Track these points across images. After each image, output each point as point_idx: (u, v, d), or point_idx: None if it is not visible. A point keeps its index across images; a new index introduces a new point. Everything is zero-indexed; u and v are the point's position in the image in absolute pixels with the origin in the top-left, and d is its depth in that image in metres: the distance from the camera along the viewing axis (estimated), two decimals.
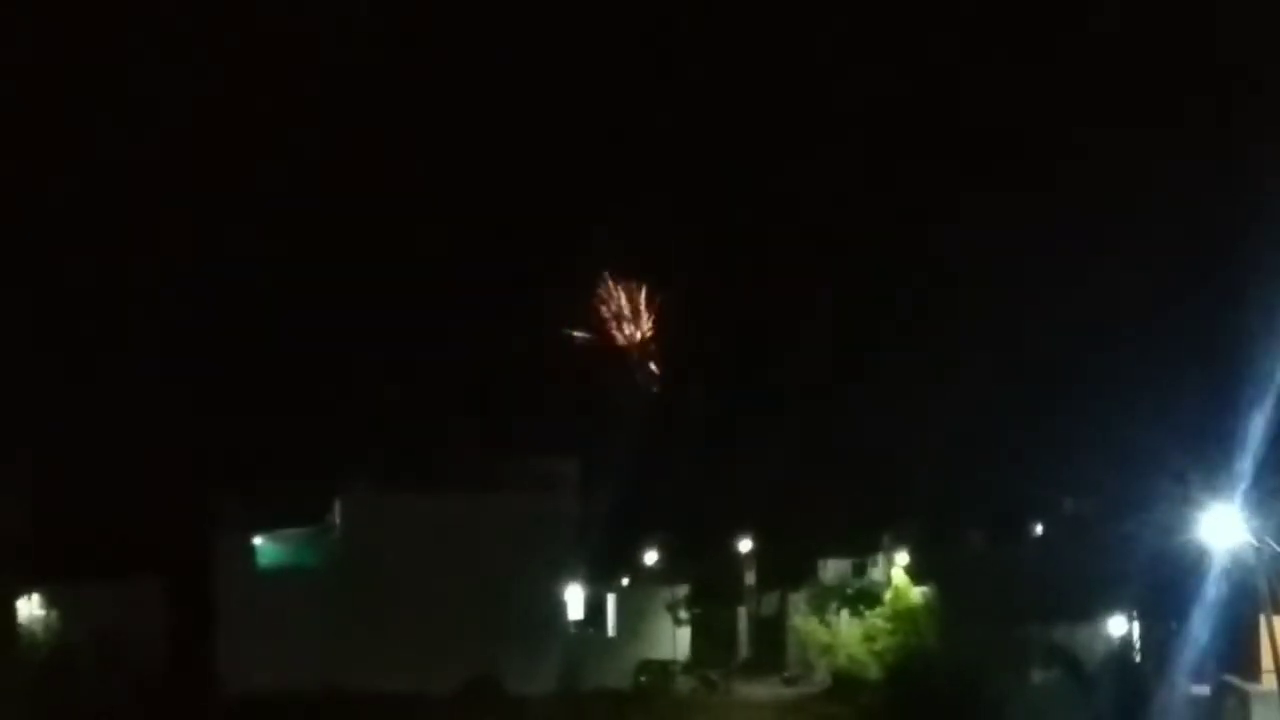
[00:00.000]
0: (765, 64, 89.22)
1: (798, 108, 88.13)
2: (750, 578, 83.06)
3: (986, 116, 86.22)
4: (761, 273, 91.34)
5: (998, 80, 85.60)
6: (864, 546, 77.51)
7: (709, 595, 77.69)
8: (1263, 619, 43.02)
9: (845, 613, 72.14)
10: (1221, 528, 44.17)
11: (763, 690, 73.55)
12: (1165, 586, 49.44)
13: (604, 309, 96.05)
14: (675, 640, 74.30)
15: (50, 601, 65.95)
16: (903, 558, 71.12)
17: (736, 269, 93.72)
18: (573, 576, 72.01)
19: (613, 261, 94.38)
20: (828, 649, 72.17)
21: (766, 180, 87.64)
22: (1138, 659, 55.57)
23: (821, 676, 73.23)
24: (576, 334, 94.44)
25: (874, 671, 65.65)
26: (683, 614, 74.83)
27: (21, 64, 73.23)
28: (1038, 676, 58.33)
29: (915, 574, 68.27)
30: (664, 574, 79.75)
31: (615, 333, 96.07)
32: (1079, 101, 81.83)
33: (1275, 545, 40.27)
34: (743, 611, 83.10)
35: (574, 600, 72.25)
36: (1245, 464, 43.63)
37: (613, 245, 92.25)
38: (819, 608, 74.37)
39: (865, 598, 71.39)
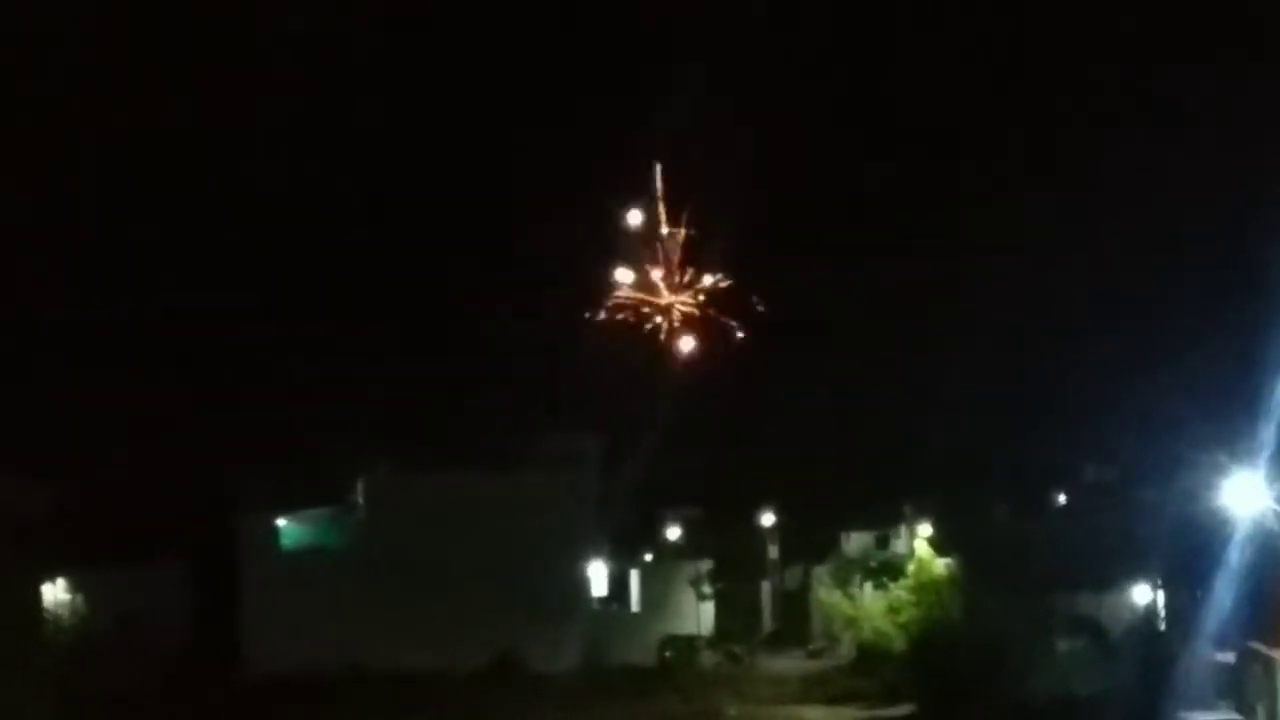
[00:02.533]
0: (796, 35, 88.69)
1: (826, 79, 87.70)
2: (773, 551, 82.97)
3: (1008, 88, 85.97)
4: (782, 247, 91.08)
5: (1025, 53, 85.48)
6: (886, 519, 77.36)
7: (732, 570, 77.62)
8: None
9: (869, 585, 72.05)
10: (1245, 494, 44.06)
11: (787, 664, 73.57)
12: (1189, 554, 49.30)
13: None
14: (699, 615, 74.31)
15: (75, 586, 66.11)
16: (925, 529, 70.92)
17: (758, 244, 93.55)
18: (596, 553, 72.10)
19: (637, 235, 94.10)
20: (852, 622, 72.05)
21: (783, 154, 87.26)
22: (1162, 627, 55.41)
23: (846, 649, 73.16)
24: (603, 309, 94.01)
25: (898, 643, 65.48)
26: (706, 589, 74.82)
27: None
28: (1062, 645, 58.14)
29: (938, 545, 68.07)
30: (687, 549, 79.78)
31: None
32: (1102, 72, 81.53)
33: None
34: (766, 585, 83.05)
35: (597, 577, 72.32)
36: (1269, 429, 43.50)
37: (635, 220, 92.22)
38: (842, 581, 74.24)
39: (888, 570, 71.27)
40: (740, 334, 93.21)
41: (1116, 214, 77.84)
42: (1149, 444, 55.42)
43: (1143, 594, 56.45)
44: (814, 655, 75.93)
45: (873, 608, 70.02)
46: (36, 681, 53.72)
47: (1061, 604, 58.74)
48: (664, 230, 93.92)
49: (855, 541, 78.52)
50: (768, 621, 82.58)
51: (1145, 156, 76.40)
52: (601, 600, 72.72)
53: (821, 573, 78.31)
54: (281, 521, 71.47)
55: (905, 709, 58.03)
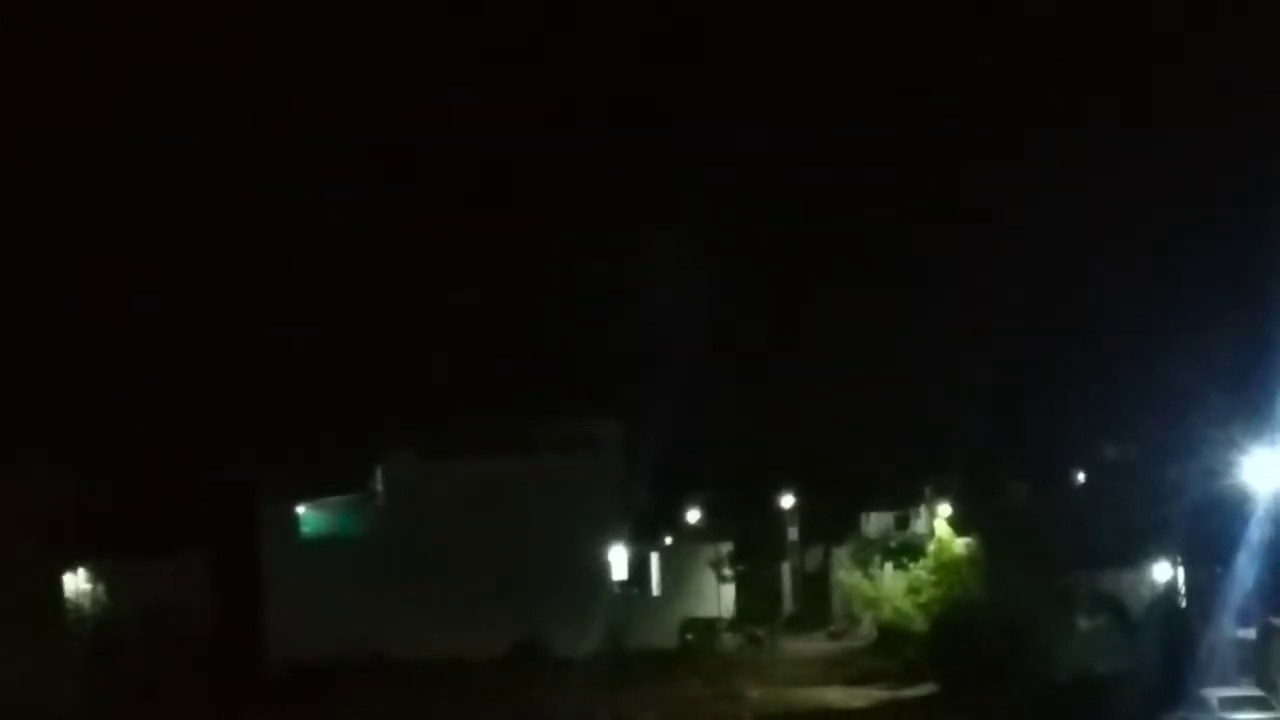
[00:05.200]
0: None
1: (837, 48, 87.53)
2: (793, 533, 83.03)
3: (1025, 59, 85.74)
4: (799, 224, 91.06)
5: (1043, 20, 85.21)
6: (906, 499, 77.40)
7: (752, 552, 77.66)
8: None
9: (889, 566, 71.99)
10: (1264, 471, 44.17)
11: (808, 645, 73.71)
12: (1209, 531, 49.30)
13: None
14: (720, 597, 74.35)
15: (96, 576, 66.33)
16: (945, 509, 70.90)
17: (773, 223, 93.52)
18: (616, 537, 72.03)
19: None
20: (872, 602, 72.04)
21: (796, 127, 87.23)
22: (1183, 604, 55.37)
23: (867, 630, 73.21)
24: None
25: (919, 624, 65.47)
26: (726, 571, 74.85)
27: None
28: (1083, 623, 58.18)
29: (958, 525, 68.04)
30: (707, 532, 79.83)
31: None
32: (1118, 45, 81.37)
33: None
34: (786, 567, 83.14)
35: (618, 560, 72.28)
36: None
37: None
38: (862, 561, 74.20)
39: (908, 550, 71.18)
40: None
41: (1135, 194, 77.68)
42: (1169, 422, 55.37)
43: (1163, 571, 56.41)
44: (834, 636, 76.00)
45: (893, 588, 69.98)
46: (58, 671, 54.04)
47: (1082, 582, 58.72)
48: None
49: (875, 522, 78.57)
50: (788, 603, 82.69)
51: (1161, 136, 76.24)
52: (622, 584, 72.64)
53: (841, 554, 78.34)
54: (302, 510, 71.57)
55: (926, 689, 58.01)
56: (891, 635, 67.69)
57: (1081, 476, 71.91)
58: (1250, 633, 47.85)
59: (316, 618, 65.06)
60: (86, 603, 65.57)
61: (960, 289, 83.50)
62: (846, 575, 75.75)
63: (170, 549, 66.80)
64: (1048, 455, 71.51)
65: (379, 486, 72.20)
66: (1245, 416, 46.63)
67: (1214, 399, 48.63)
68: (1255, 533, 45.49)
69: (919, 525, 75.69)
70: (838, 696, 59.12)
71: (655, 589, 74.76)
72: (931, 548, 68.59)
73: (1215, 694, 44.04)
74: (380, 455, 71.96)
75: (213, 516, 69.18)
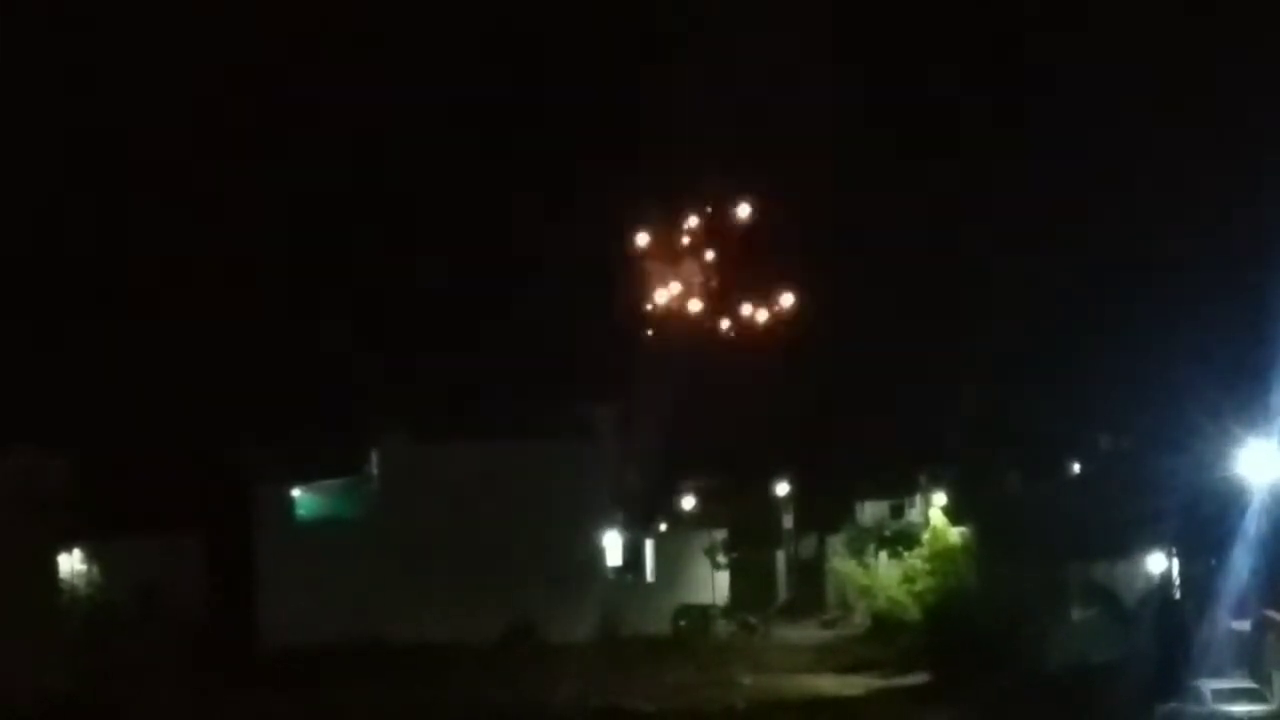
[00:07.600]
0: None
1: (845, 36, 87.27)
2: (788, 521, 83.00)
3: (1031, 46, 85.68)
4: (794, 215, 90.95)
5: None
6: (901, 488, 77.33)
7: (747, 539, 77.72)
8: None
9: (883, 554, 72.09)
10: (1260, 463, 44.16)
11: (802, 633, 73.71)
12: (1204, 522, 49.17)
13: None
14: (714, 584, 74.37)
15: (91, 556, 66.31)
16: (940, 498, 70.90)
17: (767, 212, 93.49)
18: (610, 523, 72.19)
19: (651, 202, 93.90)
20: (866, 591, 72.16)
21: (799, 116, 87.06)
22: (1177, 595, 55.30)
23: (861, 618, 73.26)
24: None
25: (913, 612, 65.58)
26: (721, 558, 74.87)
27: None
28: (1077, 614, 58.10)
29: (953, 514, 68.08)
30: (701, 518, 79.80)
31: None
32: (1120, 38, 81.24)
33: None
34: (781, 555, 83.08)
35: (612, 546, 72.42)
36: None
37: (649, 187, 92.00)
38: (857, 550, 74.29)
39: (903, 539, 71.29)
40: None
41: (1132, 183, 77.66)
42: (1164, 413, 55.37)
43: (1158, 562, 56.33)
44: (828, 624, 76.00)
45: (887, 577, 70.09)
46: (52, 652, 54.06)
47: (1076, 572, 58.65)
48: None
49: (870, 510, 78.49)
50: (782, 591, 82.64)
51: (1159, 126, 76.19)
52: (616, 570, 72.84)
53: (836, 542, 78.34)
54: (297, 492, 71.58)
55: (920, 678, 58.06)
56: (885, 624, 67.78)
57: (1077, 467, 71.83)
58: (1245, 625, 47.80)
59: (311, 601, 65.13)
60: (81, 584, 65.55)
61: (955, 277, 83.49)
62: (841, 563, 75.81)
63: (165, 531, 66.79)
64: (1043, 445, 71.40)
65: (374, 470, 72.20)
66: (1241, 408, 46.57)
67: (1210, 390, 48.59)
68: (1250, 525, 45.43)
69: (914, 514, 75.63)
70: (831, 684, 59.11)
71: (649, 575, 74.79)
72: (926, 536, 68.69)
73: (1209, 686, 43.99)
74: (376, 439, 71.95)
75: (208, 498, 69.16)
